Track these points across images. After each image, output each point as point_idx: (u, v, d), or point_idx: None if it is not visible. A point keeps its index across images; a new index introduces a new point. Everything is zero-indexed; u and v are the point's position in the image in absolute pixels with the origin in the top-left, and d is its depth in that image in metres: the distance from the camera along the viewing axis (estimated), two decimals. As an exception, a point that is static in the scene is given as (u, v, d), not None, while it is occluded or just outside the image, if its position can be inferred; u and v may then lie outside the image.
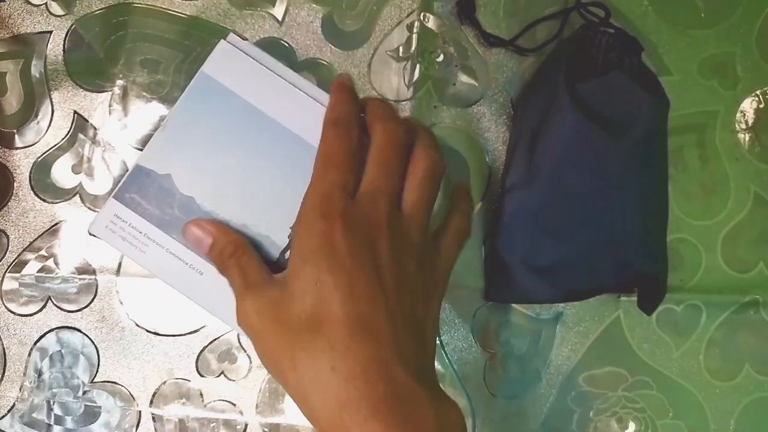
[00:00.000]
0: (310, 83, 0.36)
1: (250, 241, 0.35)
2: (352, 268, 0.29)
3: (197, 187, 0.35)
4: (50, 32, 0.46)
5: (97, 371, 0.44)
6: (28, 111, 0.45)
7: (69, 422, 0.44)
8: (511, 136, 0.45)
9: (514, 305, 0.44)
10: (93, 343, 0.44)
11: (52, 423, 0.44)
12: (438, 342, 0.45)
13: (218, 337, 0.44)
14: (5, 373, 0.44)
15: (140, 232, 0.35)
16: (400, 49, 0.46)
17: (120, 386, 0.44)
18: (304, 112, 0.36)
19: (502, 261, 0.42)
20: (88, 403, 0.44)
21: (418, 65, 0.46)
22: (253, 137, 0.36)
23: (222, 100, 0.36)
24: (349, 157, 0.32)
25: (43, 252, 0.44)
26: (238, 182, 0.35)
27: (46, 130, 0.45)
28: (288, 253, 0.35)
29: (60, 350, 0.44)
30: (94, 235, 0.35)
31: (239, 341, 0.44)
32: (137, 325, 0.44)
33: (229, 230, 0.34)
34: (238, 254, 0.33)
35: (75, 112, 0.45)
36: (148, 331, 0.44)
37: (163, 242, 0.35)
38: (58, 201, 0.45)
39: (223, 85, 0.36)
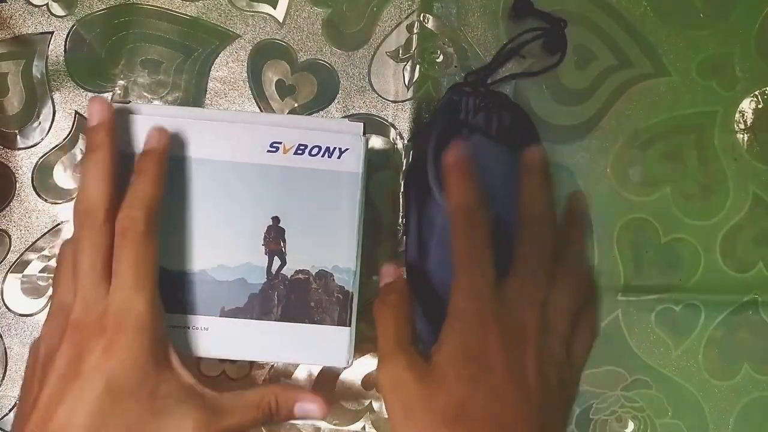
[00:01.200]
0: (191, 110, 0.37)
1: (225, 282, 0.35)
2: (503, 375, 0.29)
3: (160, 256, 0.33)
4: (51, 33, 0.46)
5: (98, 371, 0.44)
6: (30, 111, 0.45)
7: (70, 421, 0.44)
8: (402, 206, 0.44)
9: None
10: (94, 342, 0.44)
11: (53, 422, 0.44)
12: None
13: (219, 337, 0.44)
14: (6, 373, 0.44)
15: None
16: (400, 50, 0.46)
17: (121, 386, 0.44)
18: (210, 137, 0.36)
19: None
20: (90, 403, 0.44)
21: (417, 66, 0.46)
22: (180, 183, 0.35)
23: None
24: (489, 247, 0.32)
25: (45, 252, 0.45)
26: (196, 231, 0.35)
27: (47, 131, 0.45)
28: None
29: (61, 350, 0.44)
30: None
31: (240, 341, 0.44)
32: (138, 324, 0.44)
33: (400, 274, 0.36)
34: (402, 305, 0.33)
35: (76, 112, 0.45)
36: (149, 330, 0.44)
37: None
38: (60, 201, 0.45)
39: (129, 152, 0.35)
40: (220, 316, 0.35)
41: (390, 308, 0.33)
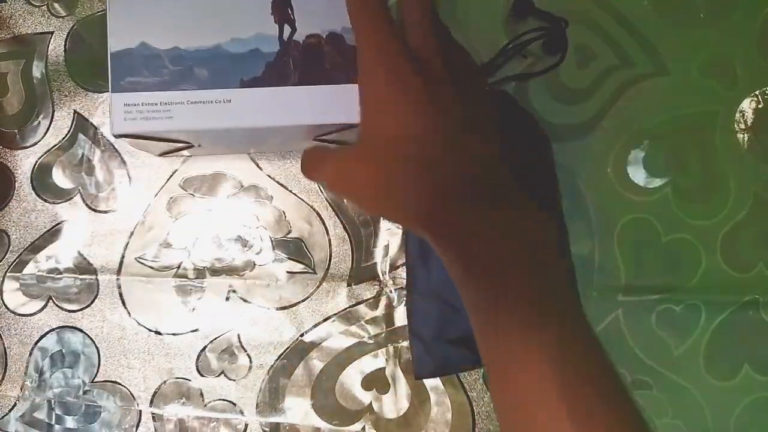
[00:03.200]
0: None
1: (240, 54, 0.35)
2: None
3: (172, 36, 0.36)
4: (51, 33, 0.46)
5: (97, 371, 0.44)
6: (30, 111, 0.45)
7: (70, 422, 0.44)
8: None
9: None
10: (93, 342, 0.44)
11: (53, 422, 0.44)
12: (438, 342, 0.45)
13: (218, 337, 0.44)
14: (6, 373, 0.44)
15: (155, 104, 0.35)
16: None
17: (120, 386, 0.44)
18: None
19: (420, 338, 0.42)
20: (89, 403, 0.44)
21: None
22: None
23: None
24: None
25: (44, 252, 0.45)
26: (200, 6, 0.36)
27: (47, 130, 0.45)
28: None
29: (61, 350, 0.44)
30: (121, 135, 0.35)
31: (239, 341, 0.44)
32: (138, 324, 0.44)
33: None
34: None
35: (75, 111, 0.45)
36: (148, 330, 0.44)
37: (179, 98, 0.35)
38: (59, 201, 0.45)
39: None
40: (240, 87, 0.36)
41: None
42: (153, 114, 0.35)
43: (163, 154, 0.42)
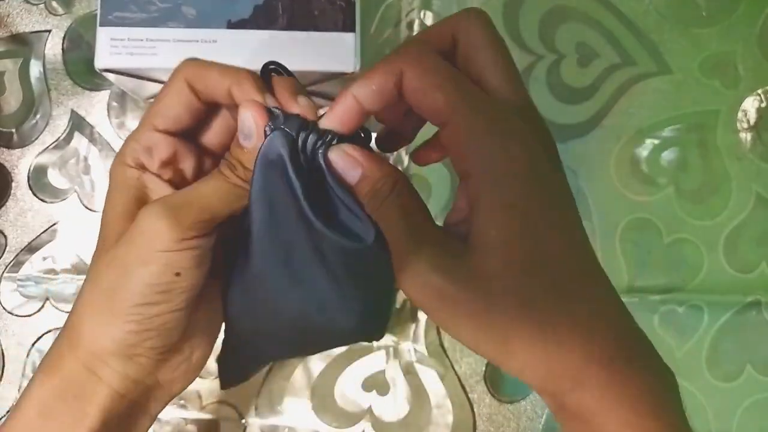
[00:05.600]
0: None
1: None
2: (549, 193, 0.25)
3: None
4: (49, 31, 0.46)
5: (95, 372, 0.44)
6: (27, 110, 0.45)
7: (67, 423, 0.43)
8: None
9: None
10: (91, 343, 0.44)
11: (50, 424, 0.43)
12: (438, 343, 0.44)
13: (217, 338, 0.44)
14: (4, 374, 0.44)
15: (141, 40, 0.35)
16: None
17: (118, 387, 0.44)
18: None
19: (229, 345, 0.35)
20: (87, 404, 0.44)
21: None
22: None
23: None
24: None
25: (41, 252, 0.44)
26: None
27: (44, 129, 0.45)
28: None
29: (58, 351, 0.44)
30: (106, 70, 0.35)
31: (238, 342, 0.44)
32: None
33: (384, 161, 0.25)
34: (399, 189, 0.24)
35: (73, 110, 0.45)
36: (146, 331, 0.44)
37: (165, 36, 0.35)
38: (56, 201, 0.45)
39: None
40: (227, 28, 0.35)
41: (388, 200, 0.24)
42: (138, 50, 0.35)
43: (149, 99, 0.42)
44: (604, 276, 0.24)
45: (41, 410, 0.25)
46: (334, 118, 0.24)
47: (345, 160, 0.24)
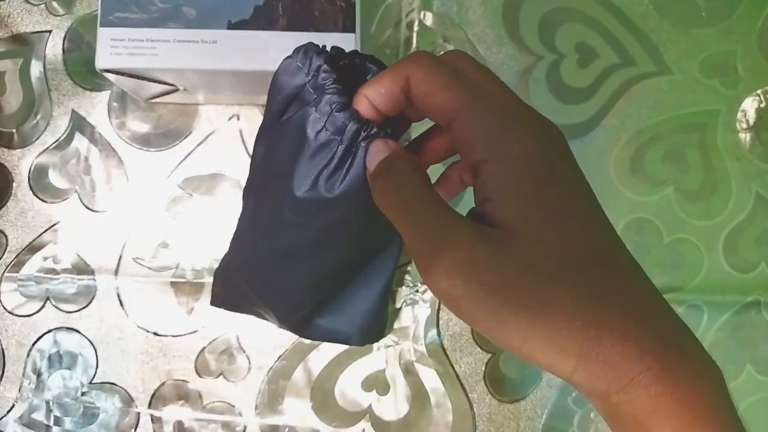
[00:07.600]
0: None
1: None
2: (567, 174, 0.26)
3: None
4: (49, 32, 0.46)
5: (95, 372, 0.44)
6: (28, 110, 0.45)
7: (68, 423, 0.43)
8: None
9: None
10: (91, 344, 0.44)
11: (51, 424, 0.43)
12: (438, 343, 0.44)
13: (217, 338, 0.44)
14: (4, 374, 0.44)
15: (141, 40, 0.35)
16: (400, 47, 0.46)
17: (119, 387, 0.44)
18: None
19: (225, 269, 0.39)
20: (87, 404, 0.44)
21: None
22: None
23: None
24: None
25: (41, 252, 0.44)
26: None
27: (44, 129, 0.45)
28: None
29: (59, 351, 0.44)
30: (106, 70, 0.35)
31: (238, 342, 0.44)
32: (137, 325, 0.44)
33: (406, 152, 0.25)
34: (411, 182, 0.24)
35: (73, 111, 0.45)
36: (147, 331, 0.44)
37: (166, 36, 0.35)
38: (56, 201, 0.45)
39: None
40: (228, 29, 0.36)
41: (397, 193, 0.24)
42: (138, 50, 0.35)
43: (150, 99, 0.42)
44: (640, 268, 0.24)
45: None
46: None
47: (378, 147, 0.26)
